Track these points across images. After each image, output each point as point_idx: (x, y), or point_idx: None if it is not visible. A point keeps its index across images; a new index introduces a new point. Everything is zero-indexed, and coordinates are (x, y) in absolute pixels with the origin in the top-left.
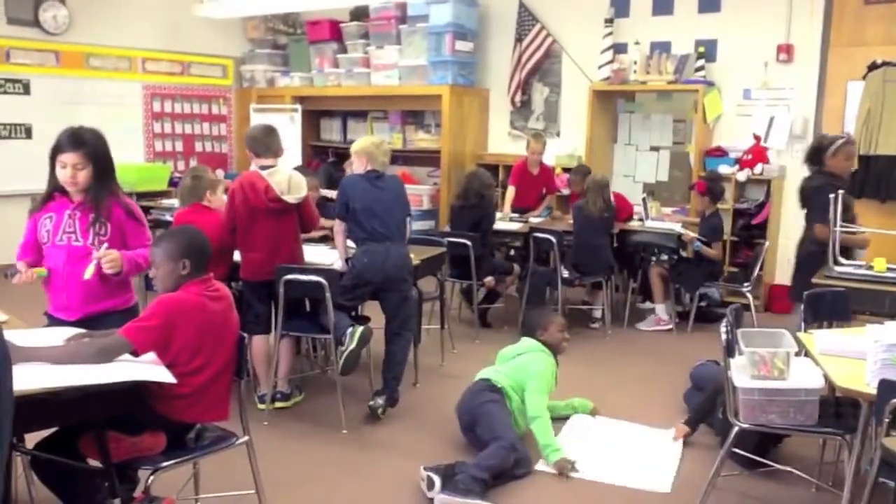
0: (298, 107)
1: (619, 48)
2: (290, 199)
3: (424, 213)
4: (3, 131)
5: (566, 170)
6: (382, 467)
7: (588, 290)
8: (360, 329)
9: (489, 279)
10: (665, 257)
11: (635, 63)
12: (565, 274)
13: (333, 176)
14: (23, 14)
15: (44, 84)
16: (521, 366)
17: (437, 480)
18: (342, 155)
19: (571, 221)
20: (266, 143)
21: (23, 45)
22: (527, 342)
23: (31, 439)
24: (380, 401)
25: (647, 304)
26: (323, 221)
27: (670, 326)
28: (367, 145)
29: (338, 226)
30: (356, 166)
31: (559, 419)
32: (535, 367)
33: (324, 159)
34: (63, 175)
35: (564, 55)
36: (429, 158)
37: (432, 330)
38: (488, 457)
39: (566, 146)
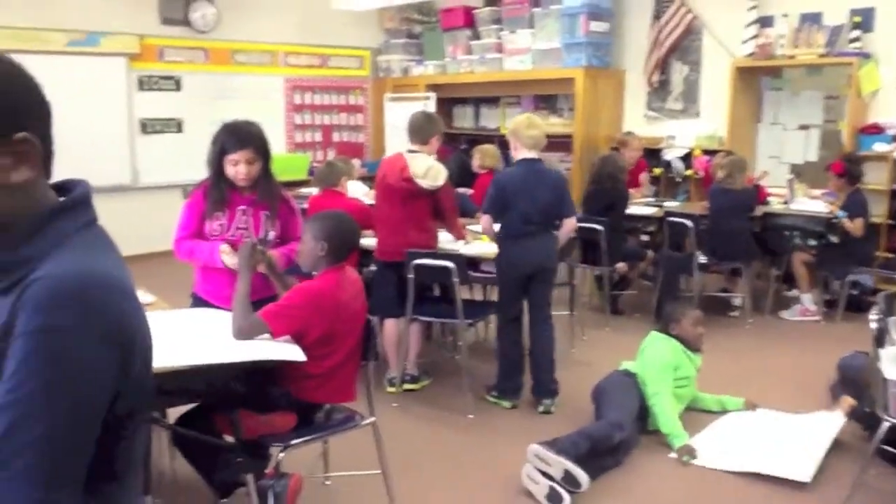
0: (432, 95)
1: (765, 21)
2: (423, 183)
3: None
4: (158, 125)
5: (706, 152)
6: (509, 455)
7: (726, 277)
8: None
9: (621, 265)
10: (813, 242)
11: (782, 37)
12: (702, 259)
13: (466, 163)
14: (175, 14)
15: (194, 80)
16: (643, 360)
17: (567, 497)
18: (474, 141)
19: (708, 205)
20: (417, 129)
21: (175, 43)
22: (650, 336)
23: (173, 415)
24: (547, 401)
25: (794, 292)
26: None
27: (818, 317)
28: (514, 126)
29: (485, 222)
30: (512, 150)
31: (708, 411)
32: (651, 355)
33: (456, 147)
34: (236, 172)
35: (705, 31)
36: (560, 143)
37: (562, 316)
38: (594, 428)
39: (707, 127)
